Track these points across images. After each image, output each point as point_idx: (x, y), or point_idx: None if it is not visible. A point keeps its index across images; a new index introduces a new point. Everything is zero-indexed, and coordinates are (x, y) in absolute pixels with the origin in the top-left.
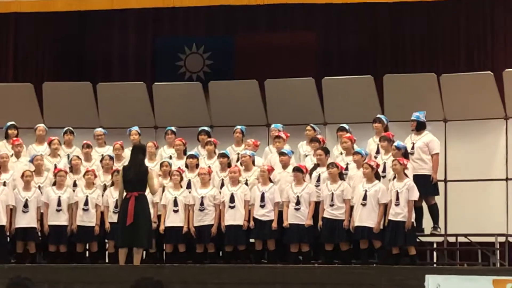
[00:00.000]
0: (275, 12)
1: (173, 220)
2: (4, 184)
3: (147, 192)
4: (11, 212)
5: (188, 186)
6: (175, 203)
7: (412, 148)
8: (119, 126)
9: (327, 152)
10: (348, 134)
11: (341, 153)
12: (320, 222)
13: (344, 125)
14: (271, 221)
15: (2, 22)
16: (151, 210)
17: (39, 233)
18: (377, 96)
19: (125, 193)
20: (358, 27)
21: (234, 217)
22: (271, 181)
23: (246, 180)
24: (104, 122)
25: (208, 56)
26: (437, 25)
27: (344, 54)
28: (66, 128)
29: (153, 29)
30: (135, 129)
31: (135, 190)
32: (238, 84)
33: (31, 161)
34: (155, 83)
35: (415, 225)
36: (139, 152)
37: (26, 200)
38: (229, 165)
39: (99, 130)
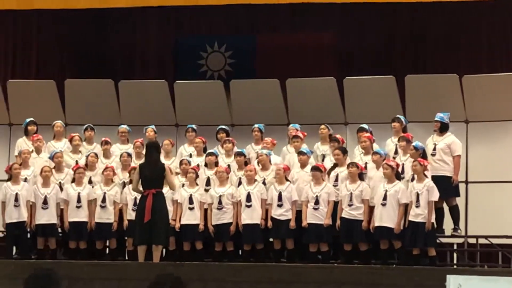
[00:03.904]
0: (297, 12)
1: (189, 217)
2: (25, 180)
3: (167, 190)
4: (31, 208)
5: (208, 183)
6: (190, 201)
7: (434, 149)
8: (140, 123)
9: (345, 152)
10: (368, 134)
11: (362, 153)
12: (338, 222)
13: (363, 125)
14: (289, 220)
15: (24, 19)
16: (171, 208)
17: (59, 230)
18: (399, 97)
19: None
20: (379, 27)
21: (251, 216)
22: (287, 180)
23: (264, 179)
24: (125, 120)
25: (230, 55)
26: (459, 25)
27: (365, 54)
28: (86, 125)
29: (175, 27)
30: (151, 127)
31: (152, 188)
32: (260, 83)
33: (51, 158)
34: (177, 81)
35: (435, 226)
36: (152, 149)
37: (45, 196)
38: (246, 164)
39: (124, 127)
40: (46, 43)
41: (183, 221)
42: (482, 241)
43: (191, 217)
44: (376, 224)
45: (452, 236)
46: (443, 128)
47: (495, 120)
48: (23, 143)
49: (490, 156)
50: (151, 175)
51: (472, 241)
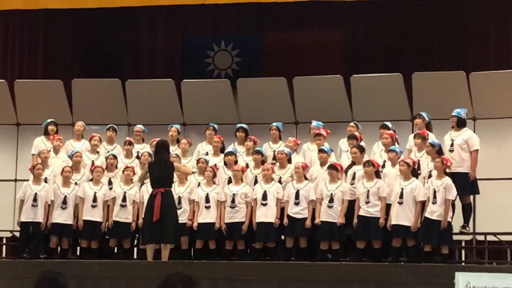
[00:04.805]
0: (304, 10)
1: (205, 216)
2: (45, 180)
3: (183, 190)
4: (49, 207)
5: (229, 182)
6: (207, 200)
7: (452, 145)
8: (147, 123)
9: (362, 150)
10: (390, 131)
11: (381, 150)
12: (355, 220)
13: (387, 123)
14: (305, 219)
15: (32, 19)
16: (188, 208)
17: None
18: (406, 94)
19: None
20: (386, 25)
21: (266, 215)
22: (306, 178)
23: (280, 177)
24: (133, 119)
25: (237, 54)
26: (466, 22)
27: (372, 52)
28: (109, 125)
29: (182, 26)
30: (175, 126)
31: (161, 186)
32: (267, 81)
33: (70, 157)
34: (184, 80)
35: (452, 224)
36: (162, 148)
37: (65, 196)
38: (263, 162)
39: (139, 127)
40: (53, 42)
41: (199, 220)
42: (490, 238)
43: (207, 216)
44: (393, 222)
45: (460, 233)
46: (460, 124)
47: (502, 117)
48: (41, 143)
49: (498, 153)
50: (160, 174)
51: (480, 238)
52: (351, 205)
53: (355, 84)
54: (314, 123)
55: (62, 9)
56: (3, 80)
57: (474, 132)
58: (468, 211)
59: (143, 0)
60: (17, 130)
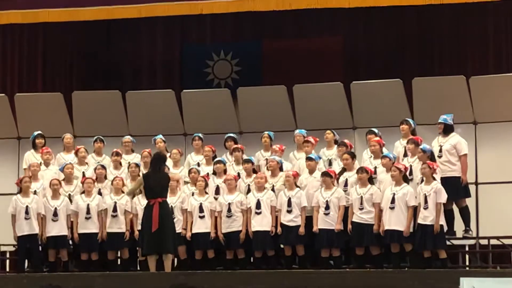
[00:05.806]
0: (302, 17)
1: (200, 226)
2: (35, 192)
3: (176, 200)
4: (42, 220)
5: (217, 192)
6: (201, 209)
7: (440, 151)
8: (148, 134)
9: (353, 156)
10: (377, 138)
11: (371, 157)
12: (349, 226)
13: (373, 129)
14: (299, 226)
15: (30, 32)
16: (181, 217)
17: (70, 242)
18: (406, 100)
19: (135, 197)
20: (386, 31)
21: (261, 223)
22: (297, 186)
23: (273, 186)
24: (134, 130)
25: (236, 63)
26: (466, 27)
27: (372, 58)
28: (96, 137)
29: (181, 36)
30: (159, 137)
31: (158, 196)
32: (267, 90)
33: (62, 169)
34: (184, 90)
35: (445, 228)
36: (158, 160)
37: (55, 208)
38: (254, 171)
39: (127, 138)
40: (52, 55)
41: (194, 230)
42: (494, 242)
43: (202, 226)
44: (386, 227)
45: (463, 237)
46: (447, 130)
47: (503, 121)
48: (31, 156)
49: (499, 156)
50: (157, 184)
51: (483, 242)
52: (348, 210)
53: (356, 91)
54: (297, 131)
55: (60, 22)
56: (3, 94)
57: (475, 136)
58: (466, 214)
59: (142, 12)
60: (18, 144)
